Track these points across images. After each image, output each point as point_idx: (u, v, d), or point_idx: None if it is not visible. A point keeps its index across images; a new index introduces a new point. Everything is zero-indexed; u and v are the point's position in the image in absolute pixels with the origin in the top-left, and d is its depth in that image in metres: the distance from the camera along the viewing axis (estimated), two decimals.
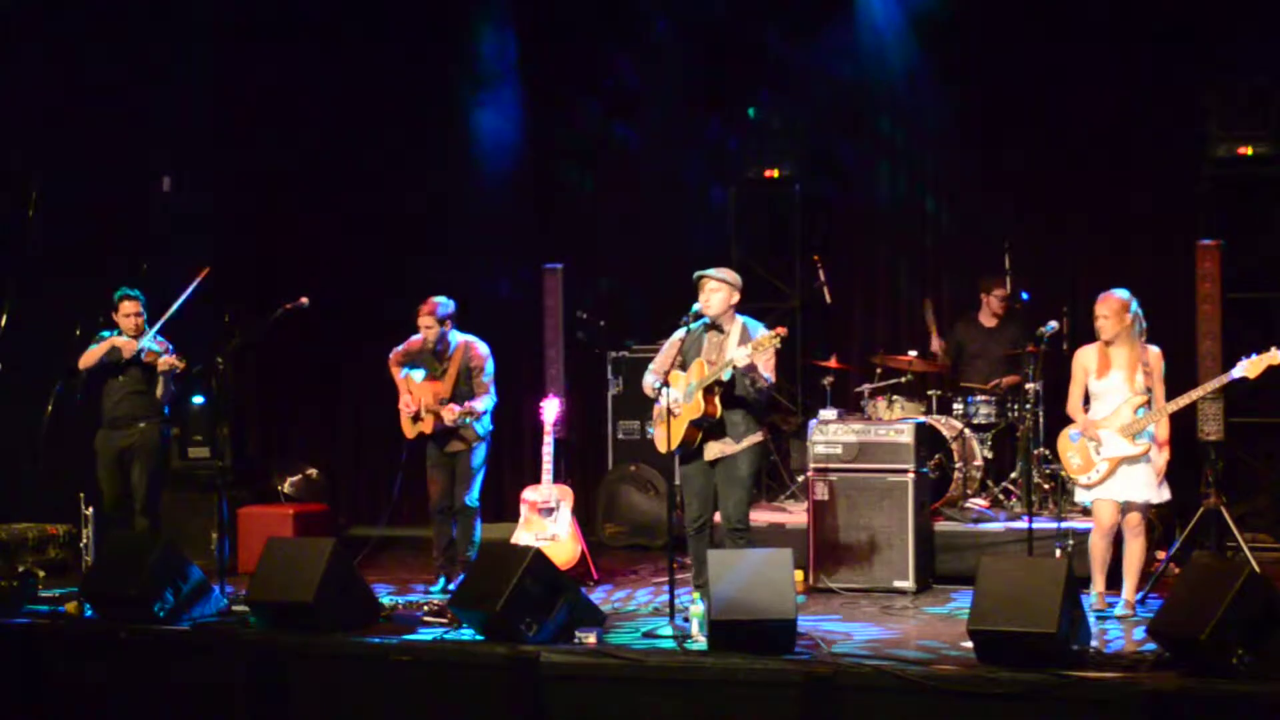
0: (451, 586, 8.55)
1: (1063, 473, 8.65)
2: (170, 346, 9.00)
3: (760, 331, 7.64)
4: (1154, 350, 7.71)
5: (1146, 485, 7.65)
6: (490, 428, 8.93)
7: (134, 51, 11.10)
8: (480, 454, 8.87)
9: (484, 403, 8.80)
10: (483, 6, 11.66)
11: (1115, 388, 7.67)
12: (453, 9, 11.62)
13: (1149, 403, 7.60)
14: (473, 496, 8.84)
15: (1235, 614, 6.16)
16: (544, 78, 11.68)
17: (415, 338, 8.95)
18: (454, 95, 11.70)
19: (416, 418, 8.84)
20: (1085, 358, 7.80)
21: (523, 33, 11.63)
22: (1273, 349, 7.43)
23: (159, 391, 8.97)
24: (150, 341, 8.91)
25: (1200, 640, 6.17)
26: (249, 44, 11.60)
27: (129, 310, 8.98)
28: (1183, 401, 7.60)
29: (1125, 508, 7.67)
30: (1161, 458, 7.68)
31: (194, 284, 8.88)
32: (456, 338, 8.89)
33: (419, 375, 8.89)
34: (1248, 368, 7.48)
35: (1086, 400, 7.82)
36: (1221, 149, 10.09)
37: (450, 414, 8.67)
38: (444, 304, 8.81)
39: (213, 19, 11.32)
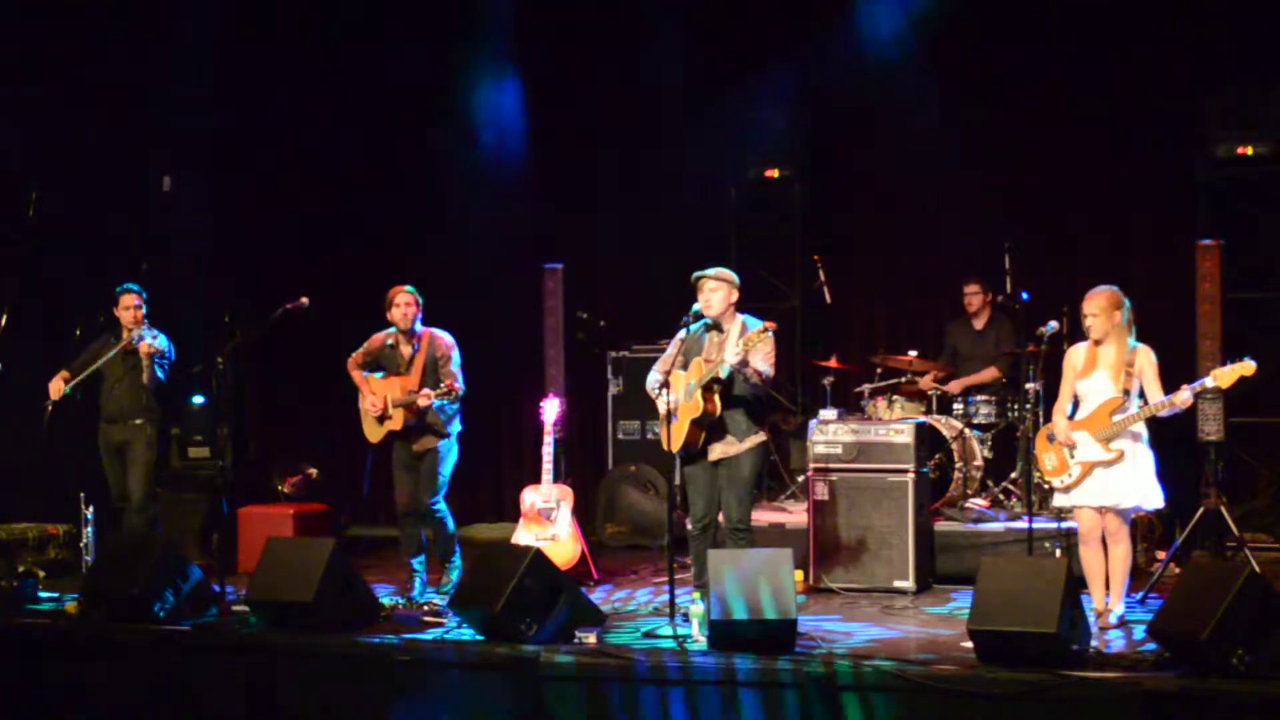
0: (441, 589, 8.48)
1: (1037, 474, 8.56)
2: (158, 334, 9.11)
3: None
4: (1142, 349, 7.31)
5: (1123, 490, 7.28)
6: (460, 429, 8.67)
7: (135, 51, 11.10)
8: (448, 455, 8.59)
9: (459, 384, 8.49)
10: (483, 6, 11.65)
11: (1098, 388, 7.37)
12: (453, 8, 11.62)
13: (1126, 405, 7.25)
14: (438, 499, 8.56)
15: (1235, 614, 6.15)
16: (544, 77, 11.69)
17: (376, 336, 8.70)
18: (454, 95, 11.69)
19: (382, 418, 8.57)
20: (1074, 357, 7.52)
21: (523, 32, 11.62)
22: (1246, 359, 7.10)
23: (145, 377, 9.04)
24: (145, 333, 9.05)
25: (1200, 640, 6.16)
26: (249, 44, 11.60)
27: (128, 304, 9.13)
28: (1147, 414, 7.19)
29: (1104, 513, 7.40)
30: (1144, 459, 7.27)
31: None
32: (419, 329, 8.66)
33: (378, 376, 8.70)
34: (1219, 378, 7.12)
35: (1077, 401, 7.54)
36: (1221, 149, 10.09)
37: (426, 398, 8.35)
38: (414, 290, 8.62)
39: (213, 19, 11.30)
